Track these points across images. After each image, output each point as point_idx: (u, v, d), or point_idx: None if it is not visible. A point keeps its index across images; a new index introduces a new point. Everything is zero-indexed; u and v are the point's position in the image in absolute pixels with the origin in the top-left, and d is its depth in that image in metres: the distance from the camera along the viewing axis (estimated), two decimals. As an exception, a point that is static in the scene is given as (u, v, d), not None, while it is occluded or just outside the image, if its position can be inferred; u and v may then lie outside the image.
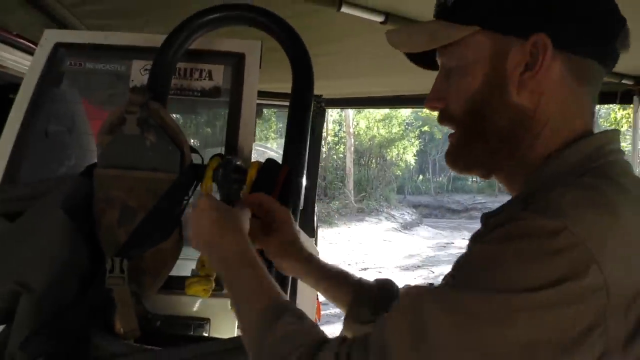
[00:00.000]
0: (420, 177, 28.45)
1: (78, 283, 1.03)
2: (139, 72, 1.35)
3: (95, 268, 1.06)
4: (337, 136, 20.32)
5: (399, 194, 22.30)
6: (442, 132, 25.20)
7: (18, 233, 1.03)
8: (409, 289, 0.60)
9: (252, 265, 0.78)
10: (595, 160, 0.63)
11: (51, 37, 1.39)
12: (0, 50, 1.86)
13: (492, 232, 0.57)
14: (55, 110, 1.36)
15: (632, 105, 2.34)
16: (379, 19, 1.79)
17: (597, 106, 0.78)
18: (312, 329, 0.66)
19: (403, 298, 0.60)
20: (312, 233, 2.76)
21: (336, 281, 1.00)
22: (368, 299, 0.96)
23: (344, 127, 19.28)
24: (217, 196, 1.10)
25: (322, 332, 0.66)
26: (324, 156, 19.17)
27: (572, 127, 0.66)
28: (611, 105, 10.93)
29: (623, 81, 2.21)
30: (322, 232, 13.33)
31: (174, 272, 1.17)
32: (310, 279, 1.01)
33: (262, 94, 2.40)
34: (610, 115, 11.61)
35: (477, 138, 0.68)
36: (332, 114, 19.36)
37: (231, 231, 0.83)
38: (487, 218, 0.69)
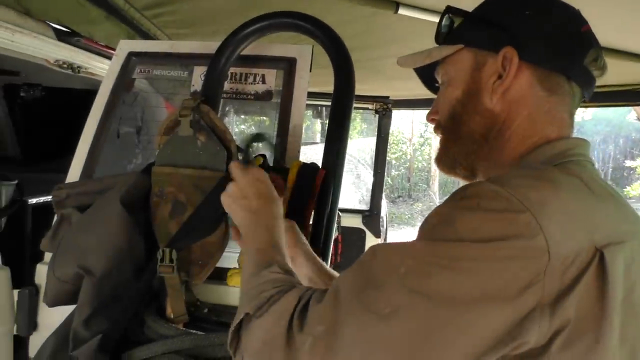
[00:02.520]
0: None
1: (134, 270, 1.14)
2: (199, 78, 1.46)
3: (150, 257, 1.17)
4: (423, 137, 19.96)
5: (486, 197, 21.43)
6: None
7: (83, 223, 1.15)
8: (373, 245, 0.65)
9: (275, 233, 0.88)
10: (555, 161, 0.68)
11: (125, 46, 1.54)
12: (90, 60, 2.06)
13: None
14: (126, 113, 1.50)
15: None
16: (437, 19, 1.77)
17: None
18: (292, 279, 0.75)
19: (365, 252, 0.64)
20: (378, 233, 2.76)
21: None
22: None
23: (430, 128, 18.89)
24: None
25: (299, 282, 0.74)
26: (408, 157, 18.90)
27: (543, 134, 0.72)
28: None
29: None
30: (405, 233, 13.17)
31: (223, 264, 1.26)
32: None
33: (323, 95, 2.45)
34: None
35: (456, 140, 0.79)
36: (418, 115, 19.05)
37: (274, 204, 0.93)
38: None
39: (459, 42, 0.79)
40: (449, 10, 0.81)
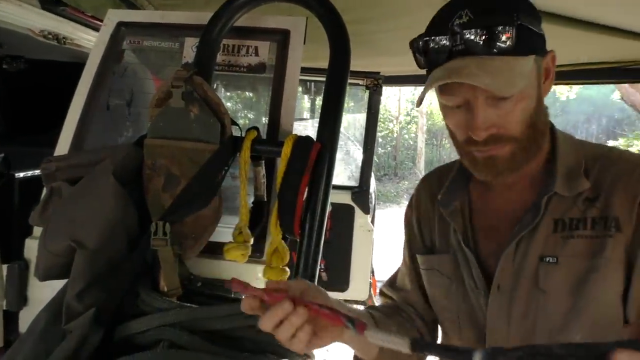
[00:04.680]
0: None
1: (127, 243, 1.13)
2: (190, 49, 1.43)
3: (144, 230, 1.16)
4: (410, 115, 19.96)
5: (472, 175, 21.65)
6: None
7: (75, 196, 1.14)
8: None
9: None
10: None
11: (114, 16, 1.50)
12: (76, 30, 2.01)
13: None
14: (116, 85, 1.47)
15: None
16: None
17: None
18: None
19: None
20: (367, 210, 2.78)
21: None
22: None
23: (416, 106, 18.90)
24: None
25: None
26: (395, 135, 18.92)
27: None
28: None
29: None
30: (390, 212, 13.27)
31: (216, 239, 1.26)
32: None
33: (314, 71, 2.43)
34: None
35: (533, 144, 0.82)
36: (405, 93, 19.00)
37: None
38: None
39: (528, 52, 0.78)
40: (517, 18, 0.76)
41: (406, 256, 1.07)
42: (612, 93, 12.11)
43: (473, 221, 0.93)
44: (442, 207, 0.96)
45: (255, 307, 0.73)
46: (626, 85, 8.44)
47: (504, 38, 0.75)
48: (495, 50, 0.75)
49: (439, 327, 1.03)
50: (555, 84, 0.86)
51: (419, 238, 1.03)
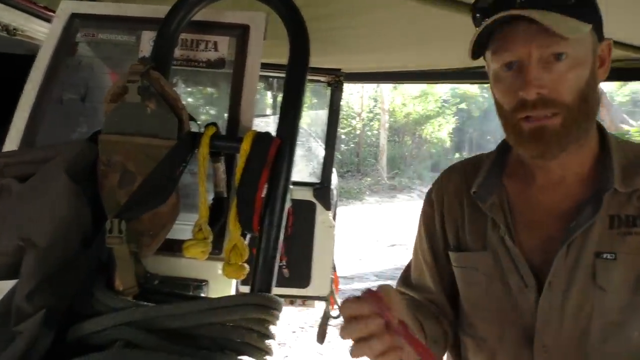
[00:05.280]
0: (457, 155, 27.98)
1: (81, 241, 1.10)
2: (147, 43, 1.40)
3: (98, 228, 1.13)
4: (372, 112, 20.15)
5: (433, 171, 22.02)
6: (480, 110, 24.60)
7: (25, 194, 1.10)
8: None
9: None
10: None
11: (67, 7, 1.45)
12: (27, 22, 1.94)
13: None
14: (70, 79, 1.43)
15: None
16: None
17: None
18: None
19: None
20: (328, 206, 2.79)
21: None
22: None
23: (380, 103, 19.08)
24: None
25: None
26: (357, 132, 19.06)
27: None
28: None
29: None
30: (353, 208, 13.38)
31: (175, 236, 1.24)
32: None
33: (276, 67, 2.42)
34: None
35: (587, 118, 0.82)
36: (367, 90, 19.17)
37: None
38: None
39: (589, 21, 0.78)
40: None
41: (427, 255, 1.04)
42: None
43: (513, 216, 0.90)
44: (480, 201, 0.93)
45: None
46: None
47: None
48: (557, 6, 0.76)
49: (464, 328, 0.98)
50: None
51: (442, 235, 1.00)
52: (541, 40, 0.76)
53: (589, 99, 0.80)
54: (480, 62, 2.88)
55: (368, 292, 0.73)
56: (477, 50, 0.83)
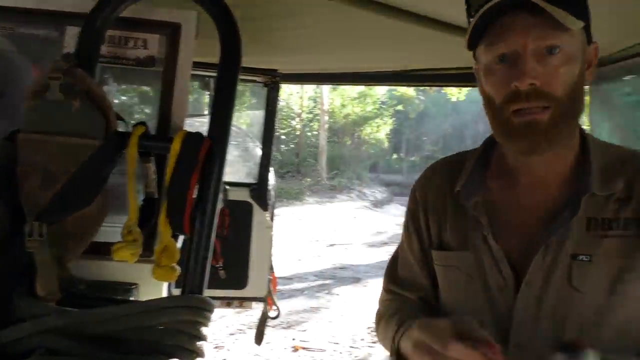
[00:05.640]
0: (394, 155, 28.69)
1: (-2, 246, 1.05)
2: (72, 39, 1.35)
3: (17, 231, 1.08)
4: (312, 113, 20.26)
5: (371, 172, 22.46)
6: (416, 112, 25.34)
7: None
8: None
9: None
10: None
11: (-18, -1, 1.37)
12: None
13: None
14: (-14, 74, 1.35)
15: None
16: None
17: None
18: None
19: None
20: (265, 206, 2.78)
21: None
22: None
23: (319, 104, 19.22)
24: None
25: None
26: (297, 133, 19.11)
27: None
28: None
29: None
30: (293, 209, 13.39)
31: (104, 239, 1.20)
32: None
33: (211, 66, 2.39)
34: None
35: (575, 116, 0.83)
36: (307, 91, 19.25)
37: None
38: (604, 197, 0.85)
39: (582, 18, 0.79)
40: None
41: (417, 252, 1.02)
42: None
43: (495, 216, 0.90)
44: (464, 200, 0.92)
45: None
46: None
47: None
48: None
49: None
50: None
51: (427, 233, 1.00)
52: (538, 32, 0.77)
53: (578, 96, 0.82)
54: (416, 65, 2.96)
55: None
56: (473, 39, 0.83)
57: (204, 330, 1.05)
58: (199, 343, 1.03)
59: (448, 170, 1.00)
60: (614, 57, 2.05)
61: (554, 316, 0.83)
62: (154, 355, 0.98)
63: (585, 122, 2.82)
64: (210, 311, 1.07)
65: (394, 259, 1.09)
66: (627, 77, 1.99)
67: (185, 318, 1.03)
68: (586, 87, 2.47)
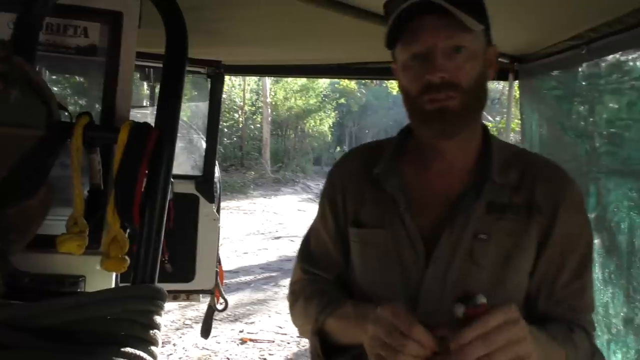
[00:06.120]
0: (338, 148, 28.99)
1: None
2: (6, 25, 1.29)
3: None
4: (255, 106, 20.10)
5: (315, 165, 22.59)
6: (359, 105, 25.67)
7: None
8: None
9: None
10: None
11: None
12: None
13: (570, 199, 0.97)
14: None
15: (507, 81, 2.57)
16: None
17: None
18: None
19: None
20: (212, 199, 2.77)
21: None
22: None
23: (262, 97, 19.08)
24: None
25: None
26: (240, 126, 18.89)
27: None
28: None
29: (499, 59, 2.41)
30: (238, 202, 13.28)
31: (49, 232, 1.17)
32: None
33: (152, 56, 2.35)
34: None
35: (479, 105, 0.96)
36: (249, 83, 19.06)
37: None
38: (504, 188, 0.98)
39: (483, 23, 0.92)
40: None
41: (331, 231, 1.09)
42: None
43: (410, 197, 1.00)
44: (384, 181, 1.02)
45: None
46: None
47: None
48: (460, 4, 0.87)
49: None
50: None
51: (343, 212, 1.07)
52: (446, 33, 0.88)
53: (481, 89, 0.94)
54: (357, 58, 3.00)
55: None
56: (390, 39, 0.94)
57: (157, 319, 1.05)
58: (152, 332, 1.04)
59: (367, 155, 1.10)
60: (540, 54, 2.20)
61: (457, 288, 0.93)
62: (107, 346, 0.98)
63: (516, 115, 2.99)
64: (163, 300, 1.08)
65: (307, 240, 1.16)
66: (553, 73, 2.13)
67: (137, 308, 1.03)
68: (516, 82, 2.62)
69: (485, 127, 1.03)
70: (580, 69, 1.90)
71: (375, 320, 0.82)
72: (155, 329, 1.05)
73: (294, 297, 1.10)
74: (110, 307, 1.01)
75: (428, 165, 1.02)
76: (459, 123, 0.92)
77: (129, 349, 0.97)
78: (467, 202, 0.96)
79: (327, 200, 1.11)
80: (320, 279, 1.10)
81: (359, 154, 1.14)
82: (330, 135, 23.89)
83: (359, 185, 1.06)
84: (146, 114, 3.16)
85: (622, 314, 1.69)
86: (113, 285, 1.31)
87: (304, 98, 20.13)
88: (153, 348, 1.04)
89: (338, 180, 1.10)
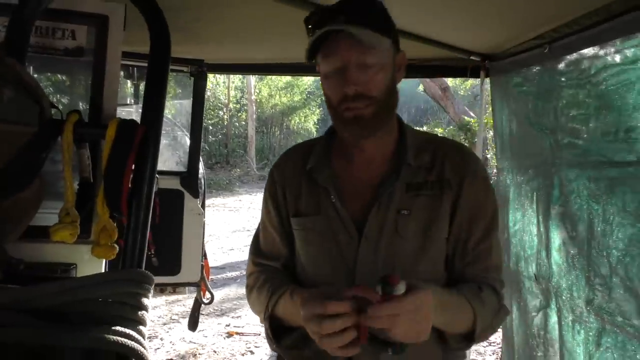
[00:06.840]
0: (323, 145, 28.90)
1: None
2: (-2, 28, 1.36)
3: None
4: (239, 103, 20.09)
5: (301, 161, 22.50)
6: (343, 102, 25.63)
7: None
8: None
9: None
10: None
11: None
12: None
13: (473, 172, 1.12)
14: None
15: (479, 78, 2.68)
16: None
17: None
18: None
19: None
20: (196, 194, 2.84)
21: None
22: None
23: (246, 95, 19.07)
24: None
25: None
26: (225, 123, 18.88)
27: None
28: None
29: (472, 57, 2.51)
30: (224, 199, 13.31)
31: (41, 223, 1.25)
32: None
33: (136, 56, 2.42)
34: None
35: (391, 108, 1.10)
36: (234, 81, 19.04)
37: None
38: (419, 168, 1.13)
39: (389, 36, 1.05)
40: (383, 6, 1.06)
41: (276, 224, 1.22)
42: (417, 86, 13.67)
43: (340, 187, 1.14)
44: (316, 174, 1.16)
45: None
46: (427, 79, 9.64)
47: (374, 16, 1.03)
48: (367, 25, 1.01)
49: (303, 283, 1.19)
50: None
51: (285, 205, 1.20)
52: (357, 52, 1.01)
53: (392, 95, 1.09)
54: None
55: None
56: (310, 55, 1.08)
57: (145, 301, 1.14)
58: (140, 312, 1.12)
59: (301, 153, 1.24)
60: (508, 53, 2.31)
61: (387, 259, 1.09)
62: (99, 325, 1.06)
63: (489, 110, 3.10)
64: (150, 283, 1.16)
65: (257, 236, 1.30)
66: (520, 70, 2.24)
67: (126, 290, 1.11)
68: (487, 80, 2.71)
69: (400, 120, 1.18)
70: (543, 67, 2.02)
71: (302, 307, 0.95)
72: (144, 310, 1.13)
73: (249, 289, 1.23)
74: (101, 290, 1.09)
75: (353, 159, 1.16)
76: (374, 127, 1.07)
77: (118, 328, 1.05)
78: (388, 185, 1.11)
79: (270, 197, 1.24)
80: (271, 269, 1.23)
81: (294, 153, 1.28)
82: (315, 132, 23.93)
83: (296, 180, 1.20)
84: (131, 112, 3.21)
85: (583, 295, 1.81)
86: (103, 269, 1.39)
87: (288, 95, 20.17)
88: (141, 327, 1.12)
89: (278, 178, 1.24)
